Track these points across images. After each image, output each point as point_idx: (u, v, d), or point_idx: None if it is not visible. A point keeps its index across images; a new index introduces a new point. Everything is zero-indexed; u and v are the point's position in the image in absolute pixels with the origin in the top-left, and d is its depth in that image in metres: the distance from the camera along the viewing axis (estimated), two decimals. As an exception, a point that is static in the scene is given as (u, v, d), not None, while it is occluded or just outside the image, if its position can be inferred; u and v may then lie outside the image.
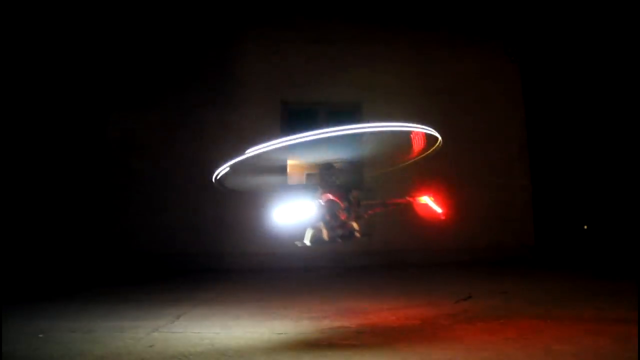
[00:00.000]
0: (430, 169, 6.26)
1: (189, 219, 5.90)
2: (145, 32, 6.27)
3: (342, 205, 2.05)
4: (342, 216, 2.06)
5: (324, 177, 2.14)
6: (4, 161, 4.72)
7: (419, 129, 2.09)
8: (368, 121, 6.44)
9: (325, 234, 2.04)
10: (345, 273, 5.12)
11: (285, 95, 6.35)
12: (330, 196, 2.03)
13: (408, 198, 2.44)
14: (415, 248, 6.09)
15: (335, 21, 6.55)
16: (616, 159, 5.43)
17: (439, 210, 2.45)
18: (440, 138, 2.22)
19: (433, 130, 2.10)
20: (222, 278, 4.70)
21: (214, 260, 5.71)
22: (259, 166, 2.15)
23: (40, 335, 2.07)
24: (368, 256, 6.01)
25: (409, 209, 2.48)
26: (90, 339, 1.98)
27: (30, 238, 4.97)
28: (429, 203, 2.44)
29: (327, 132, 1.77)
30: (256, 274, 5.11)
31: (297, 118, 6.43)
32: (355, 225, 2.11)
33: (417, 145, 2.33)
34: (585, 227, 5.88)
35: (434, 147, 2.32)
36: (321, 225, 2.03)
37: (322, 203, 2.02)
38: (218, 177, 2.20)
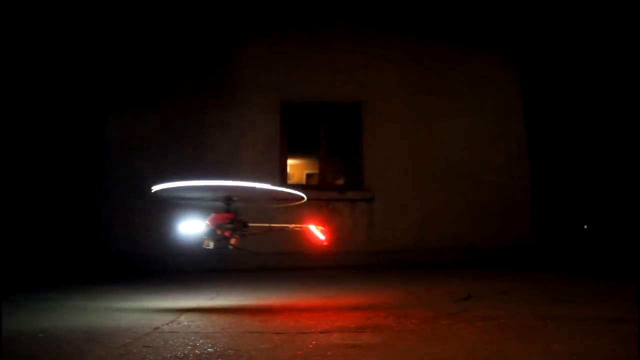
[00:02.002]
0: (427, 171, 6.29)
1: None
2: (145, 33, 6.27)
3: (228, 225, 2.77)
4: (227, 233, 2.76)
5: (222, 203, 2.88)
6: (3, 161, 4.72)
7: (291, 192, 2.91)
8: (368, 120, 6.45)
9: (209, 243, 2.76)
10: (345, 273, 5.12)
11: (285, 95, 6.35)
12: (219, 218, 2.78)
13: (296, 225, 3.09)
14: (415, 248, 6.10)
15: (336, 21, 6.57)
16: (616, 159, 5.44)
17: (322, 237, 3.07)
18: (305, 198, 2.97)
19: (301, 193, 2.93)
20: (222, 278, 4.70)
21: (214, 260, 5.72)
22: (181, 195, 3.03)
23: (40, 335, 2.07)
24: (368, 256, 6.02)
25: (298, 233, 3.13)
26: (89, 339, 1.98)
27: (29, 237, 4.97)
28: (314, 231, 3.05)
29: (225, 184, 2.65)
30: (256, 274, 5.11)
31: (297, 118, 6.43)
32: (233, 241, 2.80)
33: (289, 198, 3.09)
34: (585, 227, 5.89)
35: (301, 202, 3.09)
36: (210, 236, 2.76)
37: (211, 224, 2.76)
38: (154, 191, 2.88)
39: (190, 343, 1.86)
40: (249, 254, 3.25)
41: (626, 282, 3.48)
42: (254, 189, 2.70)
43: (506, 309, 2.51)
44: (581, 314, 2.35)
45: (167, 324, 2.30)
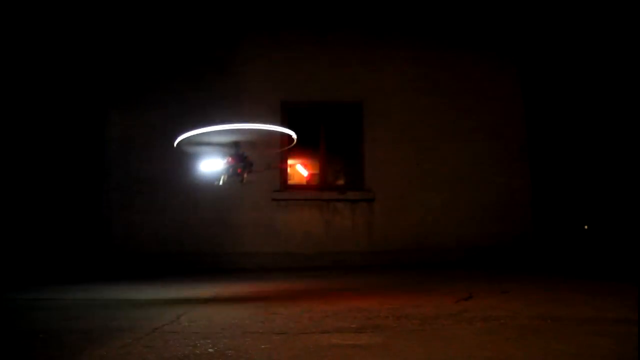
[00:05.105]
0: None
1: (189, 219, 5.90)
2: (145, 32, 6.27)
3: (239, 165, 3.58)
4: (239, 170, 3.57)
5: (232, 149, 3.64)
6: (3, 161, 4.72)
7: (281, 131, 3.74)
8: (369, 120, 6.45)
9: (223, 179, 3.60)
10: (345, 273, 5.12)
11: (285, 95, 6.35)
12: (233, 160, 3.58)
13: (286, 165, 4.15)
14: (415, 248, 6.10)
15: (336, 22, 6.57)
16: (616, 159, 5.43)
17: (305, 173, 4.23)
18: (294, 137, 3.69)
19: (291, 132, 3.66)
20: (222, 278, 4.70)
21: (214, 260, 5.73)
22: (199, 140, 3.63)
23: (41, 336, 2.07)
24: (369, 256, 6.02)
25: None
26: (89, 339, 1.98)
27: (29, 237, 4.97)
28: (299, 169, 4.19)
29: (229, 126, 3.36)
30: (256, 274, 5.11)
31: (297, 118, 6.43)
32: (245, 175, 3.60)
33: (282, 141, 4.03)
34: (586, 227, 5.88)
35: (292, 144, 3.90)
36: (226, 174, 3.59)
37: (228, 163, 3.57)
38: (177, 145, 3.68)
39: (191, 343, 1.86)
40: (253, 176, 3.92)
41: (626, 283, 3.48)
42: (253, 129, 3.52)
43: (506, 309, 2.51)
44: (581, 314, 2.36)
45: (167, 324, 2.30)
